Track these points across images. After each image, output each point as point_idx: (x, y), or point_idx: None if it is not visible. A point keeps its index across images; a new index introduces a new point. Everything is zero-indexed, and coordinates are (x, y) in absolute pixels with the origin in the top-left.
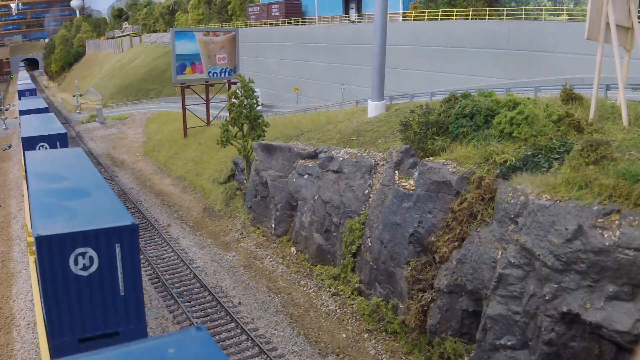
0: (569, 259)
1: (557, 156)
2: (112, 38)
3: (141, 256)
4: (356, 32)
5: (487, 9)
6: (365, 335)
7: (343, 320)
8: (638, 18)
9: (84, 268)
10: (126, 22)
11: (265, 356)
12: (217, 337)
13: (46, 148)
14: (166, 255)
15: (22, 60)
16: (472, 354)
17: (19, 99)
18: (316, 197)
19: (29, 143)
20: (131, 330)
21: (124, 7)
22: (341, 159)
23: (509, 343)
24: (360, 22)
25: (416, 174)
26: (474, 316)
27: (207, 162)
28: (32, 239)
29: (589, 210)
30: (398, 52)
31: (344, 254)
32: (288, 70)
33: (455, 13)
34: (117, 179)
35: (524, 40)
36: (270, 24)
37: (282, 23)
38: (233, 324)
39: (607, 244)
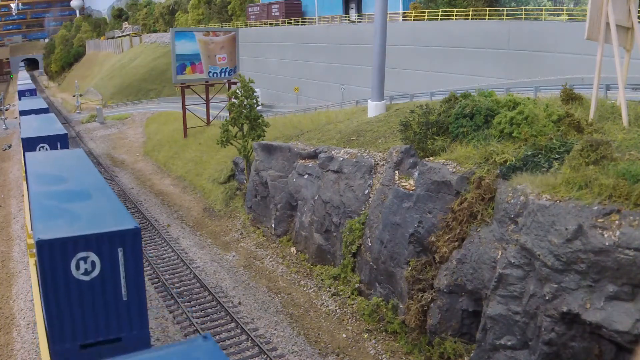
0: (569, 259)
1: (557, 156)
2: (112, 38)
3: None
4: (356, 32)
5: (487, 9)
6: (365, 335)
7: (343, 320)
8: (638, 18)
9: (86, 273)
10: (126, 22)
11: (265, 356)
12: (217, 337)
13: (46, 149)
14: (166, 255)
15: (22, 60)
16: (472, 354)
17: (19, 99)
18: (316, 197)
19: (29, 144)
20: (134, 336)
21: (124, 7)
22: (341, 159)
23: (509, 343)
24: (360, 22)
25: (416, 174)
26: (474, 316)
27: (207, 162)
28: (32, 241)
29: (589, 210)
30: (398, 52)
31: (344, 254)
32: (288, 70)
33: (455, 13)
34: (117, 179)
35: (524, 40)
36: (270, 24)
37: (282, 23)
38: (233, 324)
39: (607, 244)
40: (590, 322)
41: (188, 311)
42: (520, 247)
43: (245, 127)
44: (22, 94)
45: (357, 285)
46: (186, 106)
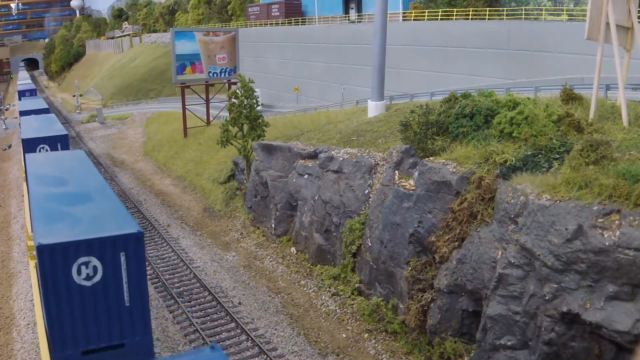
0: (569, 259)
1: (557, 156)
2: (112, 38)
3: None
4: (356, 32)
5: (487, 9)
6: (365, 335)
7: (343, 320)
8: (638, 18)
9: (88, 278)
10: (126, 22)
11: (265, 356)
12: (217, 337)
13: (47, 150)
14: (166, 255)
15: (22, 60)
16: (472, 354)
17: (19, 99)
18: (316, 197)
19: (30, 145)
20: (137, 342)
21: (124, 7)
22: (341, 159)
23: (509, 343)
24: (360, 22)
25: (416, 174)
26: (474, 316)
27: (207, 162)
28: (32, 243)
29: (589, 210)
30: (398, 52)
31: (344, 254)
32: (288, 70)
33: (455, 13)
34: (117, 179)
35: (524, 40)
36: (270, 24)
37: (282, 23)
38: (233, 324)
39: (607, 244)
40: (590, 322)
41: (188, 311)
42: (520, 247)
43: (245, 127)
44: (22, 94)
45: (357, 285)
46: (186, 106)
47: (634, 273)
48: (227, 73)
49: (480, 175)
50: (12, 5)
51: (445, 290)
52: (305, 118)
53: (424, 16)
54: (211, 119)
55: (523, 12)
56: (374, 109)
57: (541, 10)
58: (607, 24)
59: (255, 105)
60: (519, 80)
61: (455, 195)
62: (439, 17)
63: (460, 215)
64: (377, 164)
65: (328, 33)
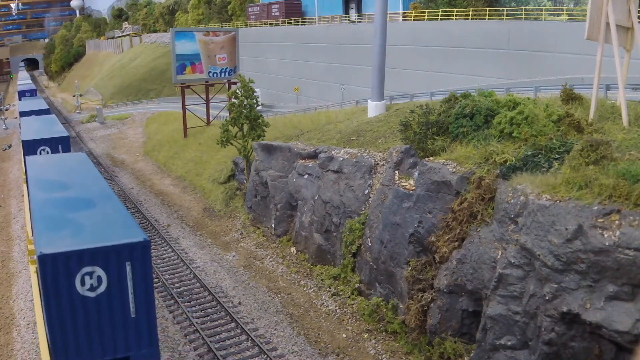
0: (569, 259)
1: (557, 156)
2: (112, 38)
3: None
4: (356, 32)
5: (487, 9)
6: (365, 335)
7: (343, 320)
8: (638, 18)
9: (92, 288)
10: (126, 22)
11: (265, 356)
12: (217, 337)
13: (48, 152)
14: (166, 255)
15: (22, 60)
16: (472, 354)
17: (19, 99)
18: (316, 197)
19: (30, 146)
20: (143, 354)
21: (124, 7)
22: (341, 159)
23: (509, 343)
24: (360, 22)
25: (416, 174)
26: (474, 316)
27: (207, 162)
28: (32, 247)
29: (589, 210)
30: (398, 52)
31: (344, 254)
32: (288, 70)
33: (455, 13)
34: (117, 179)
35: (524, 40)
36: (270, 24)
37: (282, 23)
38: (233, 324)
39: (607, 244)
40: (590, 322)
41: (188, 311)
42: (520, 247)
43: (245, 127)
44: (22, 94)
45: (357, 285)
46: (186, 106)
47: (634, 273)
48: (227, 73)
49: (480, 175)
50: (12, 5)
51: (445, 290)
52: (305, 118)
53: (424, 16)
54: (211, 119)
55: (523, 12)
56: (374, 109)
57: (541, 10)
58: (607, 24)
59: (255, 105)
60: (519, 80)
61: (455, 195)
62: (439, 17)
63: (460, 215)
64: (377, 164)
65: (328, 33)
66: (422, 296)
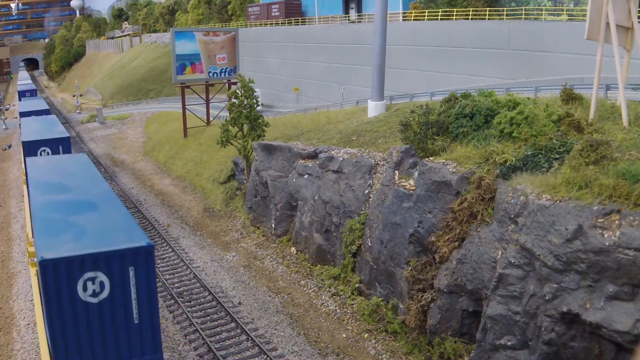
0: (569, 259)
1: (557, 156)
2: (112, 38)
3: None
4: (356, 32)
5: (487, 9)
6: (365, 335)
7: (343, 320)
8: (638, 18)
9: (94, 294)
10: (126, 22)
11: (265, 356)
12: (217, 337)
13: (48, 153)
14: (166, 255)
15: (22, 60)
16: (472, 354)
17: (19, 99)
18: (316, 197)
19: (30, 147)
20: None
21: (124, 7)
22: (341, 159)
23: (509, 343)
24: (360, 22)
25: (416, 174)
26: (474, 316)
27: (207, 162)
28: (33, 249)
29: (589, 210)
30: (398, 52)
31: (344, 254)
32: (288, 70)
33: (455, 13)
34: (117, 179)
35: (524, 40)
36: (270, 24)
37: (282, 23)
38: (233, 324)
39: (607, 244)
40: (590, 322)
41: (188, 311)
42: (520, 247)
43: (245, 127)
44: (22, 94)
45: (357, 285)
46: (186, 106)
47: (634, 273)
48: (227, 73)
49: (480, 175)
50: (12, 5)
51: (445, 290)
52: (305, 118)
53: (424, 16)
54: (211, 119)
55: (523, 12)
56: (374, 109)
57: (541, 10)
58: (607, 24)
59: (255, 105)
60: (519, 80)
61: (455, 195)
62: (439, 17)
63: (460, 215)
64: (377, 164)
65: (328, 33)
66: (422, 296)
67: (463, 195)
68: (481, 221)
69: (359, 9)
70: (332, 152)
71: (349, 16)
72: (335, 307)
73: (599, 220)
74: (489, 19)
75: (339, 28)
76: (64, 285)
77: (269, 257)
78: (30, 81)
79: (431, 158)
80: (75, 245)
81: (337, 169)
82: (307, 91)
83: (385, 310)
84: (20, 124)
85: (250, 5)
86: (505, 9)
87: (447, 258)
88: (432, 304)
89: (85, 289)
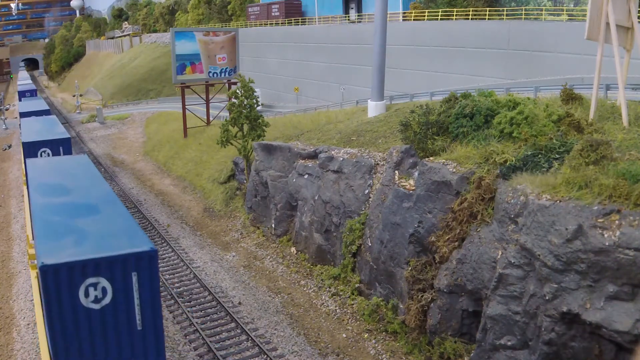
0: (569, 259)
1: (557, 156)
2: (112, 38)
3: None
4: (356, 32)
5: (487, 9)
6: (365, 335)
7: (343, 320)
8: (638, 18)
9: (96, 300)
10: (126, 22)
11: (265, 356)
12: (217, 337)
13: (48, 154)
14: (166, 255)
15: (22, 60)
16: (472, 354)
17: (19, 100)
18: (316, 197)
19: (30, 148)
20: None
21: (124, 7)
22: (341, 159)
23: (509, 343)
24: (360, 22)
25: (416, 174)
26: (474, 316)
27: (207, 162)
28: (33, 251)
29: (589, 210)
30: (398, 52)
31: (344, 254)
32: (288, 70)
33: (455, 13)
34: (117, 179)
35: (524, 40)
36: (270, 24)
37: (282, 23)
38: (233, 324)
39: (607, 244)
40: (590, 322)
41: (188, 311)
42: (520, 247)
43: (245, 127)
44: (22, 94)
45: (357, 285)
46: (186, 106)
47: (634, 273)
48: (227, 73)
49: (480, 175)
50: (12, 5)
51: (445, 290)
52: (305, 118)
53: (424, 16)
54: (211, 119)
55: (523, 12)
56: (374, 109)
57: (541, 10)
58: (607, 24)
59: (255, 105)
60: (519, 80)
61: (455, 195)
62: (439, 17)
63: (460, 215)
64: (377, 164)
65: (328, 33)
66: (422, 296)
67: (463, 195)
68: (481, 221)
69: (359, 9)
70: (332, 152)
71: (349, 16)
72: (335, 307)
73: (599, 220)
74: (489, 19)
75: (339, 28)
76: (65, 291)
77: (269, 257)
78: (30, 81)
79: (431, 158)
80: (76, 250)
81: (337, 169)
82: (307, 91)
83: (385, 310)
84: (20, 125)
85: (250, 5)
86: (505, 9)
87: (447, 258)
88: (432, 304)
89: (87, 295)
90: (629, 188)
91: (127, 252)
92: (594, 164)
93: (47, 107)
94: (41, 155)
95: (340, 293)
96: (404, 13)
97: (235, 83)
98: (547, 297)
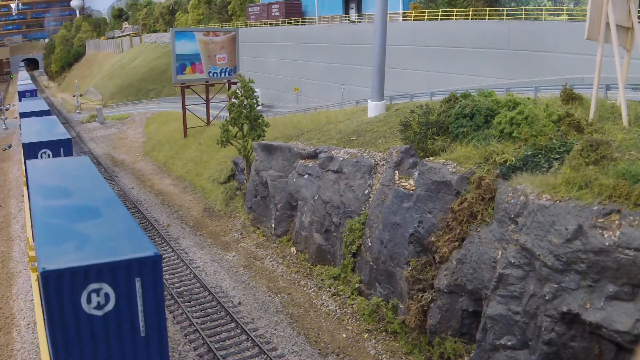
0: (569, 259)
1: (557, 156)
2: (112, 38)
3: None
4: (356, 32)
5: (487, 9)
6: (365, 335)
7: (343, 320)
8: (638, 18)
9: (99, 307)
10: (126, 22)
11: (265, 356)
12: (217, 337)
13: (49, 155)
14: (166, 255)
15: (22, 60)
16: (472, 354)
17: (19, 100)
18: (316, 197)
19: (30, 149)
20: None
21: (124, 7)
22: (341, 159)
23: (509, 343)
24: (360, 22)
25: (416, 174)
26: (474, 316)
27: (207, 162)
28: (33, 253)
29: (589, 210)
30: (398, 52)
31: (344, 254)
32: (288, 70)
33: (455, 13)
34: (117, 179)
35: (524, 40)
36: (270, 24)
37: (282, 23)
38: (233, 324)
39: (607, 244)
40: (590, 322)
41: (188, 311)
42: (520, 247)
43: (245, 127)
44: (22, 94)
45: (357, 285)
46: (186, 106)
47: (634, 273)
48: (227, 73)
49: (480, 175)
50: (12, 5)
51: (445, 290)
52: (305, 118)
53: (424, 16)
54: (211, 119)
55: (523, 12)
56: (374, 109)
57: (541, 10)
58: (607, 24)
59: (255, 105)
60: (519, 80)
61: (455, 195)
62: (439, 17)
63: (460, 215)
64: (377, 164)
65: (328, 33)
66: (422, 296)
67: (463, 195)
68: (481, 221)
69: (359, 9)
70: (332, 152)
71: (349, 16)
72: (335, 307)
73: (599, 220)
74: (489, 19)
75: (339, 28)
76: (66, 297)
77: (269, 257)
78: (30, 81)
79: (431, 158)
80: (78, 255)
81: (337, 169)
82: (307, 91)
83: (385, 310)
84: (20, 125)
85: (250, 5)
86: (505, 9)
87: (447, 258)
88: (432, 304)
89: (89, 301)
90: (629, 188)
91: (131, 258)
92: (594, 164)
93: (47, 108)
94: (41, 157)
95: (340, 293)
96: (404, 13)
97: (235, 83)
98: (547, 297)
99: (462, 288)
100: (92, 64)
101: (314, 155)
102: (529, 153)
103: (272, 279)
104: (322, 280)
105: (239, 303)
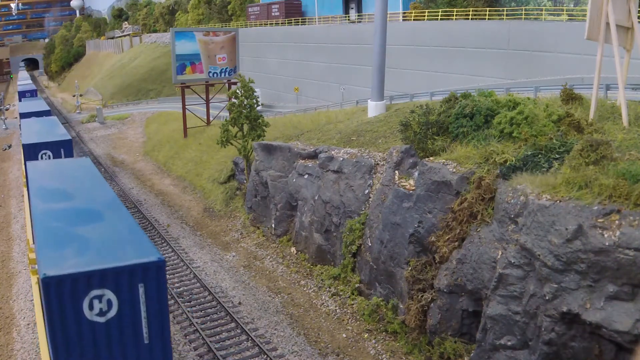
0: (569, 259)
1: (557, 156)
2: (112, 38)
3: None
4: (356, 32)
5: (487, 9)
6: (365, 335)
7: (343, 320)
8: (638, 18)
9: (101, 313)
10: (126, 22)
11: (265, 356)
12: (217, 337)
13: (49, 156)
14: (166, 255)
15: (22, 60)
16: (472, 354)
17: (19, 100)
18: (316, 197)
19: (30, 150)
20: None
21: (124, 7)
22: (341, 159)
23: (509, 343)
24: (360, 22)
25: (416, 174)
26: (474, 316)
27: (207, 162)
28: (33, 255)
29: (589, 210)
30: (398, 52)
31: (344, 254)
32: (288, 70)
33: (455, 13)
34: (117, 179)
35: (524, 40)
36: (270, 24)
37: (282, 23)
38: (233, 324)
39: (607, 244)
40: (590, 322)
41: (188, 311)
42: (520, 247)
43: (245, 127)
44: (22, 94)
45: (357, 285)
46: (186, 106)
47: (634, 273)
48: (227, 73)
49: (480, 175)
50: (12, 5)
51: (445, 290)
52: (305, 118)
53: (424, 16)
54: (211, 119)
55: (523, 12)
56: (374, 109)
57: (541, 10)
58: (607, 24)
59: (255, 105)
60: (519, 80)
61: (455, 195)
62: (439, 17)
63: (460, 215)
64: (377, 164)
65: (328, 33)
66: (422, 296)
67: (463, 195)
68: (481, 221)
69: (359, 9)
70: (332, 152)
71: (349, 16)
72: (335, 307)
73: (599, 220)
74: (489, 19)
75: (339, 28)
76: (68, 303)
77: (269, 257)
78: (30, 81)
79: (431, 158)
80: (80, 260)
81: (337, 169)
82: (307, 91)
83: (385, 310)
84: (20, 125)
85: (250, 5)
86: (505, 9)
87: (447, 258)
88: (432, 304)
89: (91, 307)
90: (629, 188)
91: (134, 263)
92: (594, 164)
93: (47, 108)
94: (42, 158)
95: (340, 293)
96: (404, 13)
97: (235, 83)
98: (547, 297)
99: (462, 288)
100: (92, 64)
101: (314, 155)
102: (529, 153)
103: (272, 279)
104: (322, 280)
105: (239, 303)
